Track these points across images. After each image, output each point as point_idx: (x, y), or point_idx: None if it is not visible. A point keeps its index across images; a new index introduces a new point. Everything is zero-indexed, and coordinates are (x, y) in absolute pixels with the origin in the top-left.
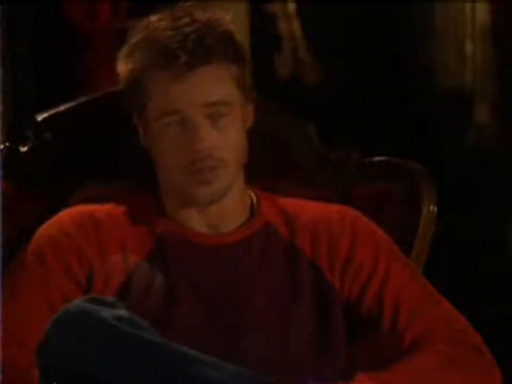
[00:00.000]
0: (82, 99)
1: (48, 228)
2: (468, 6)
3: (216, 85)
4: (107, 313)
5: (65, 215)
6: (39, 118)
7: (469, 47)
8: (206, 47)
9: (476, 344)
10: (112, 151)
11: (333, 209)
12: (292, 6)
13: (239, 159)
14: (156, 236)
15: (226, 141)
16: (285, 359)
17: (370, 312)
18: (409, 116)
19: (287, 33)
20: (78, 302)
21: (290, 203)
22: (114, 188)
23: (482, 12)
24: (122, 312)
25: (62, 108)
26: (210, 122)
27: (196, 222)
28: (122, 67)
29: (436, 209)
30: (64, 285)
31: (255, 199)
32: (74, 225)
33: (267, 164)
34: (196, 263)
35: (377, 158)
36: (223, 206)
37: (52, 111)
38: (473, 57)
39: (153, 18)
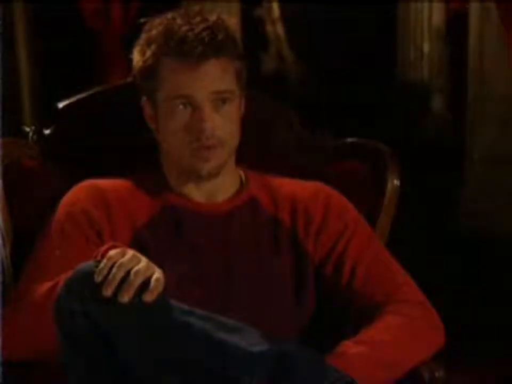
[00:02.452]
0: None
1: (64, 201)
2: (425, 11)
3: (223, 76)
4: None
5: (76, 189)
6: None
7: (426, 46)
8: (218, 42)
9: (422, 302)
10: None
11: (309, 186)
12: (277, 12)
13: (234, 141)
14: (160, 204)
15: (225, 124)
16: (267, 314)
17: (334, 270)
18: (376, 104)
19: (273, 35)
20: (88, 264)
21: (273, 180)
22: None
23: (437, 17)
24: None
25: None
26: (214, 107)
27: (195, 193)
28: (139, 56)
29: (398, 183)
30: (80, 245)
31: (243, 176)
32: (84, 195)
33: (251, 144)
34: (194, 226)
35: (348, 139)
36: (217, 181)
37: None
38: (430, 55)
39: (168, 16)
